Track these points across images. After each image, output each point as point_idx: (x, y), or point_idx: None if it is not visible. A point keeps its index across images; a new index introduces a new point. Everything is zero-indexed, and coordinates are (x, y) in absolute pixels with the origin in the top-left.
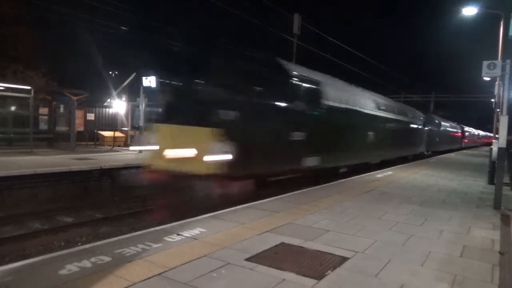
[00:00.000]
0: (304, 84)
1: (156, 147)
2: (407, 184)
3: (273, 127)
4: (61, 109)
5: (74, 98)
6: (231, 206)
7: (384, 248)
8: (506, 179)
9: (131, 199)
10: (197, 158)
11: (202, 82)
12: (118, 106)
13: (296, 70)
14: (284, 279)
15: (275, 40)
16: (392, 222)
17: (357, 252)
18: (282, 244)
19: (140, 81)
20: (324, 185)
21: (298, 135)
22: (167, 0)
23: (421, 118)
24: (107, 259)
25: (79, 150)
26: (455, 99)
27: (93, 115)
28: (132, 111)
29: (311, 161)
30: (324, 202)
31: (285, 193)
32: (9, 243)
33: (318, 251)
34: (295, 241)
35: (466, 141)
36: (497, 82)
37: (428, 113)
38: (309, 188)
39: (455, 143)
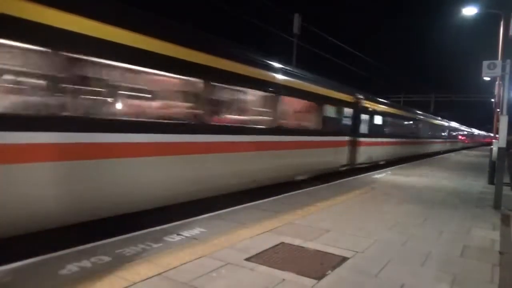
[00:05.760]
0: None
1: None
2: (407, 184)
3: None
4: None
5: None
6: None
7: (384, 248)
8: (506, 179)
9: None
10: None
11: None
12: None
13: None
14: (284, 279)
15: (275, 40)
16: (392, 222)
17: (357, 252)
18: (282, 244)
19: None
20: (324, 185)
21: None
22: None
23: None
24: (107, 259)
25: None
26: (455, 99)
27: None
28: None
29: None
30: (324, 202)
31: (285, 193)
32: None
33: (318, 251)
34: (295, 241)
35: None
36: (497, 82)
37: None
38: (309, 188)
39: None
